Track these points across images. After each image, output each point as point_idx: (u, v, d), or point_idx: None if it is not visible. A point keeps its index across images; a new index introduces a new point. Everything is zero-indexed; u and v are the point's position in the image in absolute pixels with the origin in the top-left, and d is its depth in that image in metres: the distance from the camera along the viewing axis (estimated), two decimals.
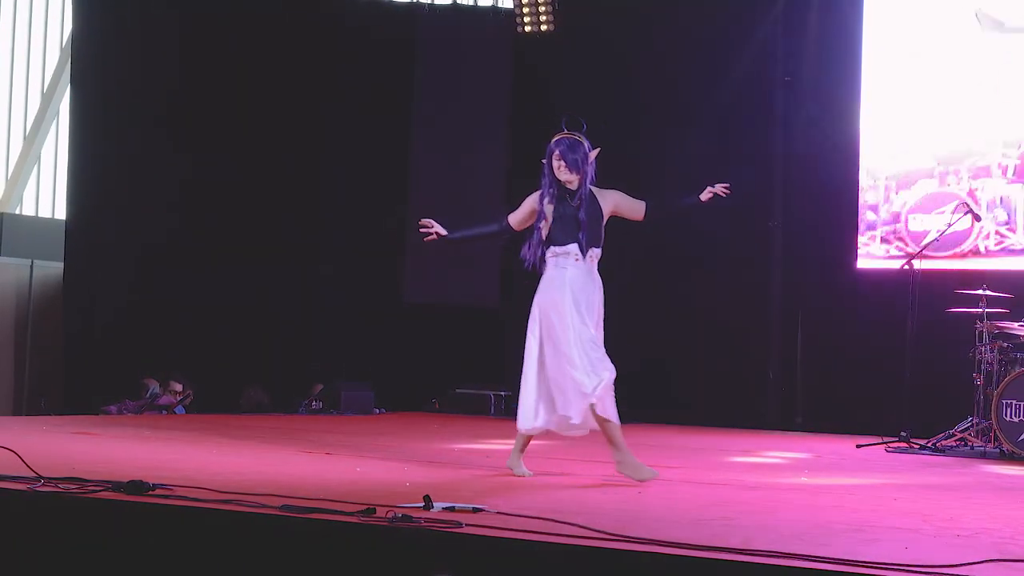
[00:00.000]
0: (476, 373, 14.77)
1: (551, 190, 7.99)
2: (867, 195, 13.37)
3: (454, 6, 15.58)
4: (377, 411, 14.12)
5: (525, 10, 14.92)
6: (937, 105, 13.25)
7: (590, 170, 7.99)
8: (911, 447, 11.13)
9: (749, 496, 7.57)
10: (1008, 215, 12.92)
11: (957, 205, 11.77)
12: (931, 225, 12.78)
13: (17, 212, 16.80)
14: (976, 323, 11.18)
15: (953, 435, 11.16)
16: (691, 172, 13.73)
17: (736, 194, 13.21)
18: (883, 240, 13.22)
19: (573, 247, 7.90)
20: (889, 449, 11.11)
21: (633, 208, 8.11)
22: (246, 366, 14.46)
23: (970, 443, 11.04)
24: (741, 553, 5.07)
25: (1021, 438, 10.49)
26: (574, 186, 7.96)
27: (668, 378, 13.75)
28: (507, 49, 15.25)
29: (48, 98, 16.96)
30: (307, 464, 8.49)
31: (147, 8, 14.97)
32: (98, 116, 15.00)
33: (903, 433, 11.29)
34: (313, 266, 14.93)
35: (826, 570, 4.84)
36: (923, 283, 11.65)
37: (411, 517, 5.60)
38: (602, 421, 7.97)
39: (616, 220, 8.13)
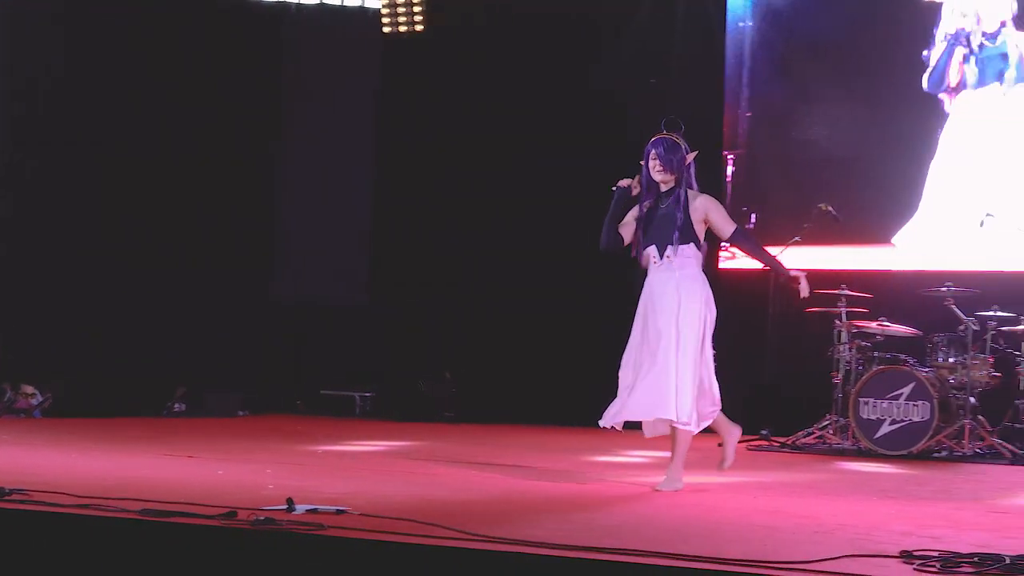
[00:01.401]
0: (342, 373, 14.69)
1: (647, 193, 7.95)
2: None
3: (321, 6, 15.47)
4: (241, 413, 13.98)
5: (394, 10, 14.84)
6: None
7: (687, 173, 7.93)
8: (771, 445, 11.28)
9: (611, 495, 7.63)
10: None
11: (815, 209, 11.91)
12: None
13: None
14: (835, 322, 11.37)
15: (812, 433, 11.34)
16: (558, 174, 13.83)
17: (598, 194, 13.45)
18: None
19: (651, 249, 7.88)
20: (750, 447, 11.24)
21: (720, 227, 7.96)
22: (110, 368, 14.22)
23: (828, 441, 11.22)
24: (604, 552, 5.11)
25: (878, 435, 10.69)
26: (668, 187, 7.88)
27: (527, 378, 13.77)
28: (376, 49, 15.18)
29: None
30: (168, 467, 8.40)
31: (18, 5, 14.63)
32: None
33: (764, 432, 11.44)
34: (179, 266, 14.72)
35: (686, 567, 4.90)
36: (783, 283, 11.80)
37: (274, 520, 5.58)
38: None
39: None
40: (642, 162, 7.94)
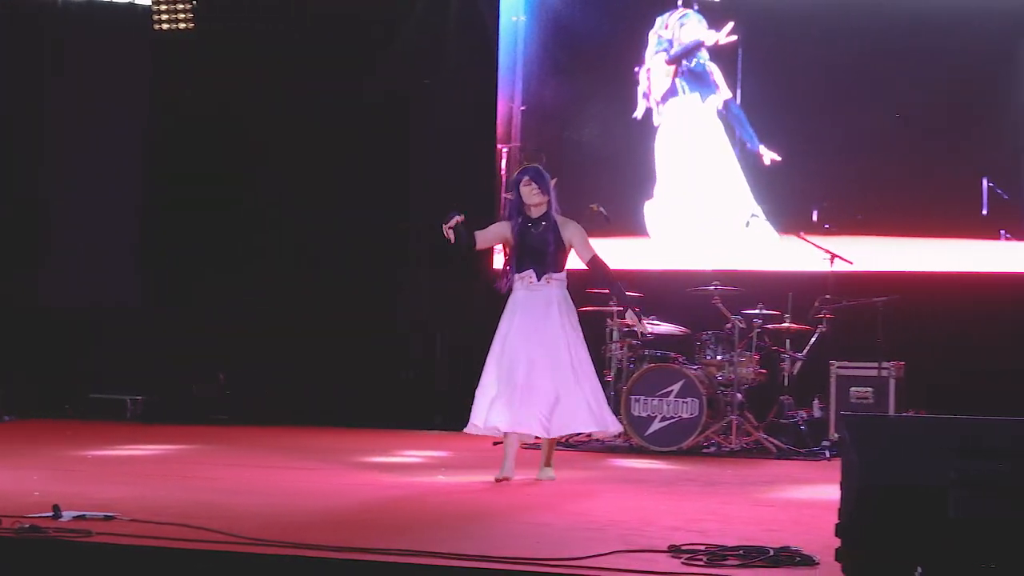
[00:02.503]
0: (112, 377, 14.39)
1: (518, 218, 8.53)
2: None
3: (89, 3, 15.12)
4: (7, 418, 13.60)
5: (163, 7, 14.57)
6: None
7: (553, 198, 8.56)
8: None
9: (387, 495, 7.63)
10: None
11: (587, 209, 12.10)
12: None
13: None
14: (606, 321, 11.55)
15: None
16: (334, 176, 13.77)
17: (374, 196, 13.49)
18: None
19: (528, 272, 8.45)
20: (526, 445, 11.29)
21: (581, 252, 8.56)
22: None
23: (601, 438, 11.38)
24: (375, 552, 5.12)
25: (649, 432, 10.89)
26: (541, 211, 8.49)
27: (306, 378, 13.68)
28: (146, 47, 14.88)
29: None
30: None
31: None
32: None
33: None
34: None
35: (459, 566, 4.93)
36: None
37: (39, 527, 5.45)
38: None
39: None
40: (506, 193, 8.79)
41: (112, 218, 14.87)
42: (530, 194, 8.44)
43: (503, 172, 13.49)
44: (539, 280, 8.43)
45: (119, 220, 14.87)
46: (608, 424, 8.63)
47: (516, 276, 8.50)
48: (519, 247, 8.47)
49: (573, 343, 8.43)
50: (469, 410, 13.26)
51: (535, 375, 8.35)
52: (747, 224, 11.61)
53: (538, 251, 8.43)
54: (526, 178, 8.48)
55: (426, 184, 13.87)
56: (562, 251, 8.47)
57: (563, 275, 8.53)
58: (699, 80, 12.99)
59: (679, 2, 13.02)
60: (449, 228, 8.33)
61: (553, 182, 8.58)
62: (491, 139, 13.69)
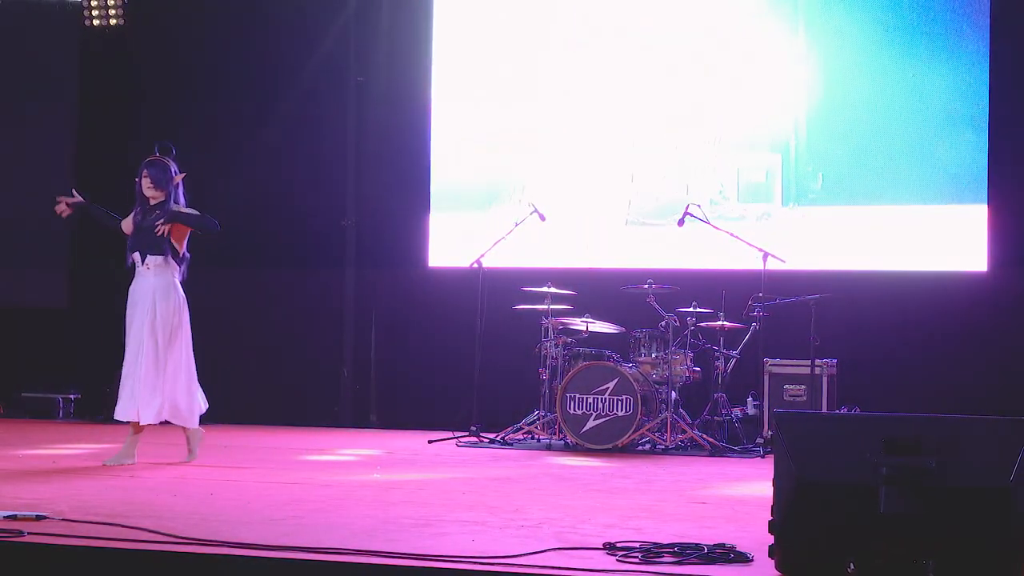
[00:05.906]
0: (43, 376, 14.27)
1: (138, 206, 9.12)
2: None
3: (16, 1, 14.97)
4: None
5: (93, 3, 14.47)
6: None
7: (176, 190, 9.14)
8: (481, 441, 11.40)
9: (321, 494, 7.61)
10: None
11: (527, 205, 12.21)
12: None
13: None
14: (541, 319, 11.57)
15: (521, 428, 11.52)
16: (261, 172, 13.72)
17: (309, 193, 13.47)
18: None
19: (135, 255, 9.06)
20: (460, 444, 11.35)
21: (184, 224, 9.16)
22: None
23: (537, 436, 11.41)
24: (310, 551, 5.10)
25: (584, 430, 10.92)
26: (157, 201, 9.06)
27: (243, 377, 13.61)
28: (75, 43, 14.76)
29: None
30: None
31: None
32: None
33: (473, 428, 11.56)
34: None
35: (394, 565, 4.93)
36: (491, 281, 11.97)
37: None
38: None
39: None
40: (136, 178, 9.15)
41: (40, 215, 14.70)
42: (146, 186, 9.07)
43: None
44: (142, 263, 9.01)
45: (48, 217, 14.70)
46: (191, 417, 9.27)
47: (129, 258, 9.07)
48: (136, 231, 9.05)
49: (160, 330, 8.97)
50: (403, 408, 13.39)
51: (131, 361, 9.02)
52: (680, 223, 11.64)
53: (145, 236, 8.97)
54: (145, 171, 9.08)
55: (362, 180, 13.87)
56: (165, 239, 8.98)
57: (167, 260, 9.03)
58: None
59: None
60: (63, 209, 9.28)
61: (179, 178, 9.15)
62: (425, 134, 13.68)
